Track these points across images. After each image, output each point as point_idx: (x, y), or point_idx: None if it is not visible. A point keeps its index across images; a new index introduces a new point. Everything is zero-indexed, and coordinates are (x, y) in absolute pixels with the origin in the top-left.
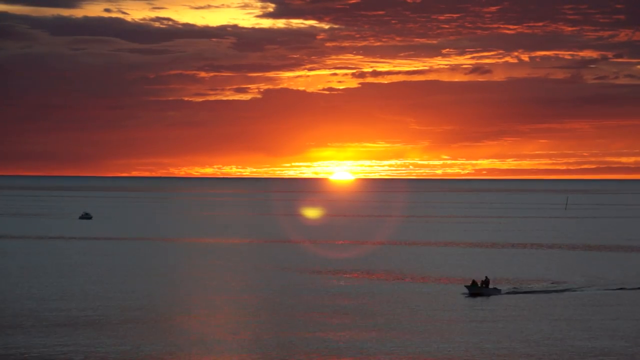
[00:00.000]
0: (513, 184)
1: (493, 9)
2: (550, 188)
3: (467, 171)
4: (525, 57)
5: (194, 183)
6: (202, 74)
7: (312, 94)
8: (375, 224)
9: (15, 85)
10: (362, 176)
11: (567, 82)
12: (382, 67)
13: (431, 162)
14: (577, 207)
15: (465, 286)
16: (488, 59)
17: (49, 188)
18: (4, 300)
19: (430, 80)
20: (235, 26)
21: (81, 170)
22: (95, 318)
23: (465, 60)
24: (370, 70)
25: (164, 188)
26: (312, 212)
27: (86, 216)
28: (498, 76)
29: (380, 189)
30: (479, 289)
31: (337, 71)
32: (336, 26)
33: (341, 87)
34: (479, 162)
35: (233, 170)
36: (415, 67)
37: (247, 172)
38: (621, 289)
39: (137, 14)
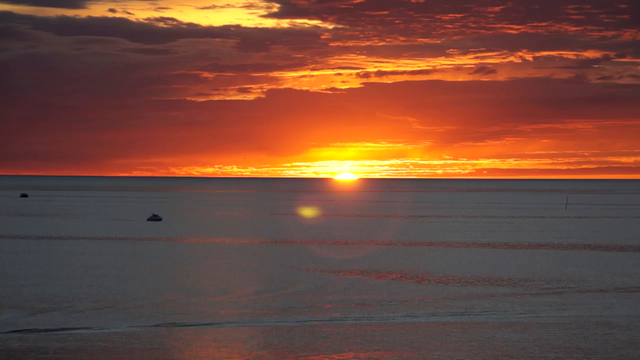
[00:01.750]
0: (514, 183)
1: (497, 9)
2: (551, 188)
3: (468, 171)
4: (529, 57)
5: (209, 183)
6: (206, 74)
7: (315, 94)
8: (377, 223)
9: (19, 85)
10: (362, 176)
11: (571, 82)
12: (386, 67)
13: (432, 162)
14: (577, 207)
15: None
16: (492, 59)
17: (79, 189)
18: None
19: (434, 80)
20: (239, 26)
21: (82, 170)
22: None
23: (469, 60)
24: (373, 70)
25: (196, 187)
26: (316, 212)
27: (155, 218)
28: (502, 76)
29: (383, 189)
30: None
31: (341, 71)
32: (340, 26)
33: (344, 87)
34: (479, 161)
35: (234, 170)
36: (418, 67)
37: (248, 172)
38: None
39: (141, 14)
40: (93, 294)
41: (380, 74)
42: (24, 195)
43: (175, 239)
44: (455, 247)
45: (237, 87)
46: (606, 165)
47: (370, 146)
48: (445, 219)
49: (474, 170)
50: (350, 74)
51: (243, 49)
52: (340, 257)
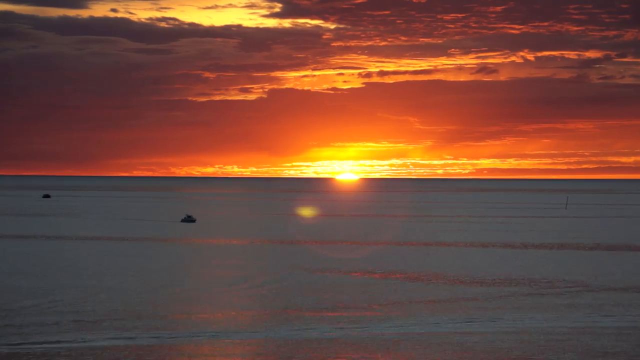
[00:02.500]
0: (514, 183)
1: (498, 8)
2: (551, 188)
3: (468, 171)
4: (530, 57)
5: (214, 183)
6: (207, 74)
7: (316, 93)
8: (390, 223)
9: (21, 85)
10: (363, 176)
11: (573, 82)
12: (388, 67)
13: (432, 162)
14: (577, 207)
15: None
16: (493, 58)
17: (97, 189)
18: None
19: (435, 80)
20: (241, 26)
21: (82, 170)
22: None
23: (471, 60)
24: (375, 70)
25: (204, 187)
26: (335, 213)
27: (189, 219)
28: (503, 76)
29: (387, 189)
30: None
31: (343, 71)
32: (342, 26)
33: (345, 87)
34: (480, 161)
35: (235, 169)
36: (420, 67)
37: (248, 171)
38: None
39: (143, 13)
40: (111, 304)
41: (382, 74)
42: (47, 196)
43: (211, 240)
44: (457, 247)
45: (239, 87)
46: (606, 165)
47: (371, 146)
48: (447, 219)
49: (474, 170)
50: (352, 74)
51: (245, 48)
52: (359, 257)
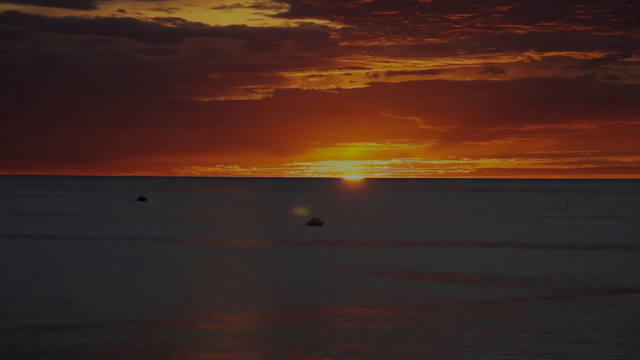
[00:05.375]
0: (514, 183)
1: (504, 8)
2: (552, 188)
3: (469, 170)
4: (536, 57)
5: (233, 182)
6: (213, 74)
7: (321, 93)
8: (384, 223)
9: (26, 85)
10: (364, 176)
11: (578, 82)
12: (394, 67)
13: (433, 162)
14: (577, 207)
15: None
16: (499, 59)
17: (178, 189)
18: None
19: (440, 80)
20: (247, 26)
21: (83, 170)
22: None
23: (477, 60)
24: (381, 70)
25: (228, 187)
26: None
27: (315, 222)
28: (509, 76)
29: (395, 189)
30: None
31: (348, 71)
32: (348, 26)
33: (350, 87)
34: (481, 161)
35: (236, 169)
36: (426, 67)
37: (249, 171)
38: None
39: (149, 13)
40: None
41: (388, 74)
42: (142, 199)
43: (339, 242)
44: (458, 247)
45: (244, 87)
46: (607, 165)
47: (373, 146)
48: (448, 219)
49: (474, 170)
50: (360, 74)
51: (251, 49)
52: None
